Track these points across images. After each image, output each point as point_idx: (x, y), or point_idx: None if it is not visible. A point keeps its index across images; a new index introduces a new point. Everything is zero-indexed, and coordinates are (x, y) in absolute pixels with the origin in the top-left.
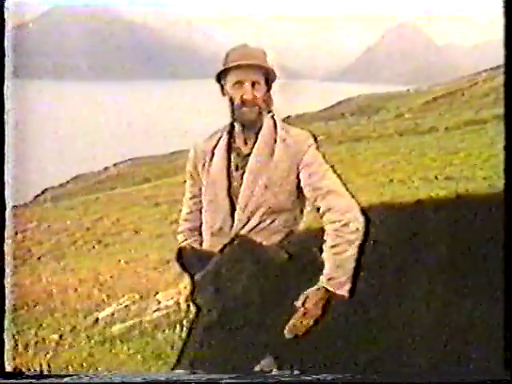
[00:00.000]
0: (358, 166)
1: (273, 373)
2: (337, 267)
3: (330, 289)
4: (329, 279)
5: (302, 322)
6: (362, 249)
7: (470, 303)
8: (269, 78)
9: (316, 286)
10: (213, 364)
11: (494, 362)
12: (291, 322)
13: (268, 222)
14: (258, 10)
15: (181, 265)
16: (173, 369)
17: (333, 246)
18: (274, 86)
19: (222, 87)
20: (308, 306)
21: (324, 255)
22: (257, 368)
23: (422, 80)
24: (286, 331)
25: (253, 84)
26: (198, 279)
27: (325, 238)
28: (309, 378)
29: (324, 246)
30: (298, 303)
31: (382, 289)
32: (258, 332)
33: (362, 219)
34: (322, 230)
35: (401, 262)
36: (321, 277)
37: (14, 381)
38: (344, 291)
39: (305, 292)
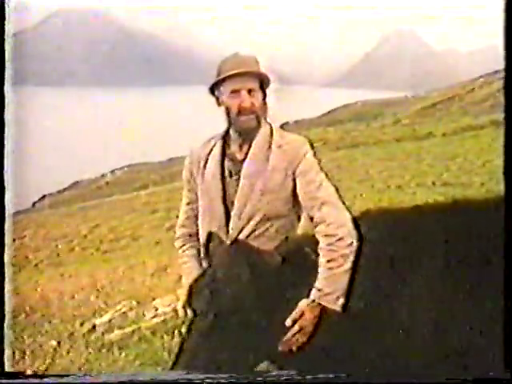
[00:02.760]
0: (355, 171)
1: (271, 373)
2: (331, 282)
3: (325, 304)
4: (324, 294)
5: (297, 339)
6: (356, 263)
7: (469, 304)
8: (263, 84)
9: (309, 301)
10: (208, 368)
11: (494, 362)
12: (286, 337)
13: (264, 228)
14: (256, 18)
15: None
16: None
17: (327, 261)
18: (272, 92)
19: (217, 98)
20: (304, 323)
21: (319, 269)
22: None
23: (419, 86)
24: (280, 347)
25: (249, 91)
26: (195, 283)
27: (318, 251)
28: (308, 378)
29: (319, 259)
30: (290, 321)
31: (380, 293)
32: (253, 336)
33: (355, 233)
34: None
35: (398, 267)
36: (314, 291)
37: (14, 381)
38: (338, 306)
39: (299, 306)
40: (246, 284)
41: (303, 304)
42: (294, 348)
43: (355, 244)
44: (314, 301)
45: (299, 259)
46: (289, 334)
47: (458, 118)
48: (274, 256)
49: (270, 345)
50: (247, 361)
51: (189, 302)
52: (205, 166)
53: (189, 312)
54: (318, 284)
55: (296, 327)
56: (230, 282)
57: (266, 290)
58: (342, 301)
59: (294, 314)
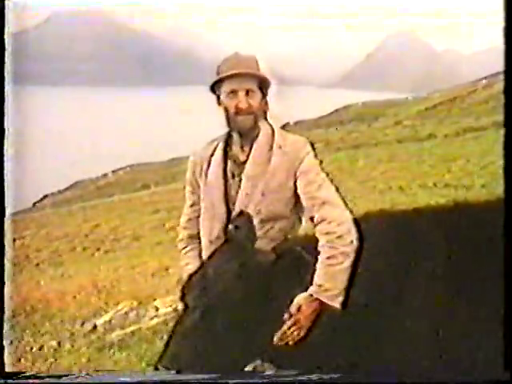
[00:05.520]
0: (356, 173)
1: (269, 373)
2: (331, 278)
3: (324, 300)
4: (323, 290)
5: (292, 332)
6: (356, 262)
7: (470, 305)
8: (262, 85)
9: (308, 294)
10: (192, 364)
11: (494, 362)
12: (281, 331)
13: (265, 229)
14: (257, 19)
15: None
16: (156, 367)
17: (327, 258)
18: (273, 92)
19: (218, 97)
20: (300, 316)
21: (318, 266)
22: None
23: (421, 87)
24: (275, 339)
25: (247, 92)
26: (188, 280)
27: (318, 248)
28: (305, 379)
29: (319, 257)
30: (287, 315)
31: (381, 294)
32: (240, 334)
33: (355, 233)
34: (316, 239)
35: (400, 269)
36: (313, 286)
37: (14, 381)
38: (337, 303)
39: (296, 300)
40: (235, 281)
41: (300, 298)
42: (290, 342)
43: (355, 243)
44: (311, 295)
45: (290, 258)
46: (284, 327)
47: (460, 120)
48: (268, 256)
49: (258, 343)
50: (235, 359)
51: (183, 299)
52: (207, 168)
53: (182, 308)
54: (317, 280)
55: (291, 320)
56: (220, 279)
57: (255, 288)
58: (341, 298)
59: (291, 308)
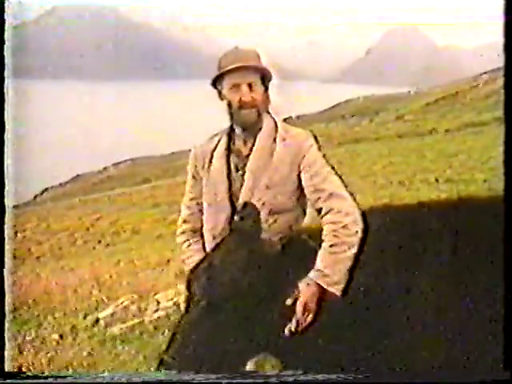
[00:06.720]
0: (357, 167)
1: (272, 373)
2: (332, 265)
3: (323, 285)
4: (322, 275)
5: (306, 319)
6: (359, 252)
7: (470, 304)
8: (265, 78)
9: (306, 280)
10: (198, 354)
11: (493, 362)
12: (294, 318)
13: (270, 222)
14: (258, 14)
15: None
16: (161, 362)
17: (330, 246)
18: (275, 87)
19: (220, 92)
20: (304, 299)
21: (320, 252)
22: (248, 365)
23: (422, 82)
24: (290, 328)
25: (249, 86)
26: (194, 270)
27: (323, 237)
28: (308, 378)
29: (322, 245)
30: (290, 300)
31: (381, 290)
32: (245, 324)
33: (361, 223)
34: (321, 228)
35: (400, 264)
36: (313, 272)
37: (14, 381)
38: (336, 290)
39: (297, 288)
40: (241, 271)
41: (301, 282)
42: (303, 328)
43: (360, 234)
44: (311, 279)
45: (297, 247)
46: (297, 315)
47: (462, 115)
48: (275, 246)
49: (264, 334)
50: (241, 350)
51: (188, 289)
52: (210, 162)
53: (181, 302)
54: (317, 265)
55: (301, 307)
56: (226, 269)
57: (261, 278)
58: (341, 286)
59: (293, 294)
